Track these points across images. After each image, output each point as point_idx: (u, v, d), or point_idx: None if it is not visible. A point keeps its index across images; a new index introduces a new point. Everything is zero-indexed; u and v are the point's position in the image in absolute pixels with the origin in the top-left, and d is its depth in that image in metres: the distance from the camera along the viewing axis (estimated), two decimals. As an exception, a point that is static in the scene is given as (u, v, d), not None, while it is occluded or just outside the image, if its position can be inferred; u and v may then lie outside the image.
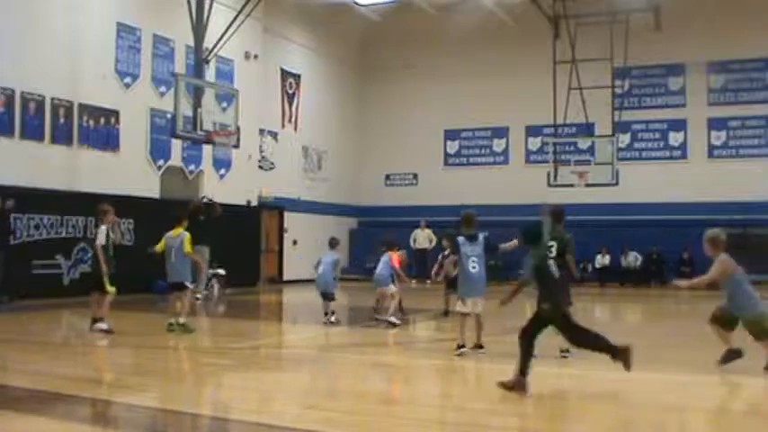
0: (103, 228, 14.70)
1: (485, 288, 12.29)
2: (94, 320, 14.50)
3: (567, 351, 11.73)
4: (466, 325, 12.19)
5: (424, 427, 8.01)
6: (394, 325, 15.86)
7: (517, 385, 9.13)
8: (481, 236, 12.39)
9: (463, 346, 12.09)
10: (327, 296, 16.74)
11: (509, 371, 11.23)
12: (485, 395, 9.57)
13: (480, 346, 12.22)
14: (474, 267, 12.15)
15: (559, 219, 12.86)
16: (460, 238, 12.37)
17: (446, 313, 17.87)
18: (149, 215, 22.77)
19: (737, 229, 30.57)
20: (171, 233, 15.10)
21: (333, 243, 17.55)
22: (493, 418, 8.45)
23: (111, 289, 14.44)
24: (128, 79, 24.44)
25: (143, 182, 24.57)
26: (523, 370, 9.21)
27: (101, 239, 14.58)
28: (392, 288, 16.66)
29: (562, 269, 12.26)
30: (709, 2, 31.71)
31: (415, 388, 10.38)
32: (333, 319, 16.60)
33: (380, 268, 16.84)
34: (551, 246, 12.30)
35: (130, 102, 24.37)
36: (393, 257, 16.94)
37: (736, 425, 8.17)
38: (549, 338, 13.23)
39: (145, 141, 25.01)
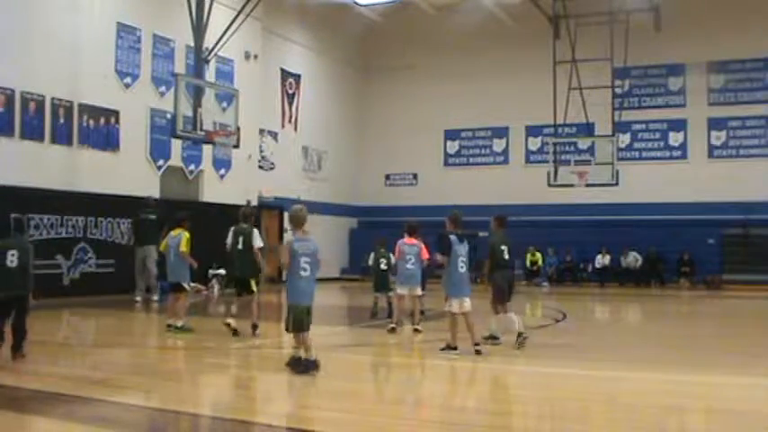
0: (256, 231, 14.69)
1: (470, 288, 12.50)
2: (255, 326, 14.47)
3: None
4: (457, 326, 12.18)
5: (424, 427, 8.02)
6: (419, 331, 15.19)
7: None
8: (466, 239, 12.58)
9: (455, 348, 12.15)
10: None
11: (508, 371, 11.27)
12: (485, 395, 9.59)
13: (477, 344, 12.20)
14: (462, 267, 12.37)
15: (503, 224, 14.45)
16: (453, 237, 12.49)
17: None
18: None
19: (738, 228, 30.66)
20: (172, 233, 15.11)
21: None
22: (493, 418, 8.46)
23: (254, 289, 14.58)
24: (128, 79, 24.44)
25: (143, 182, 24.53)
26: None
27: (257, 243, 14.57)
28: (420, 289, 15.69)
29: (513, 269, 14.02)
30: (709, 2, 31.74)
31: (414, 388, 10.38)
32: None
33: (413, 263, 15.39)
34: (503, 249, 13.83)
35: (130, 102, 24.35)
36: (423, 250, 15.62)
37: (736, 425, 8.17)
38: (542, 338, 13.26)
39: (145, 141, 25.00)
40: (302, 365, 10.44)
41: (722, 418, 8.48)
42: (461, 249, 12.43)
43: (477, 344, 12.16)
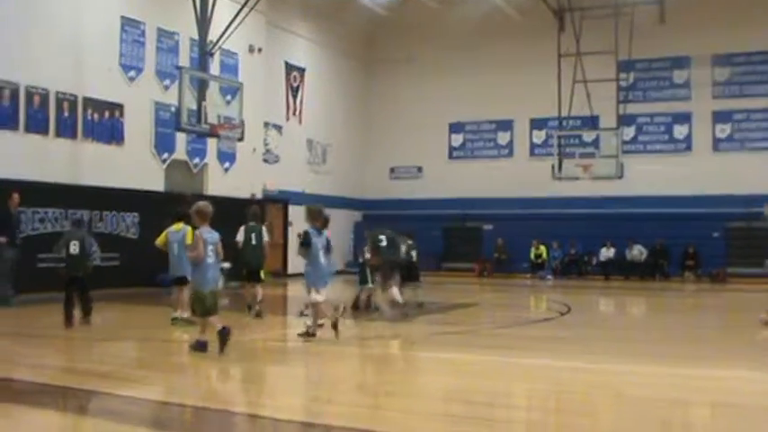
0: (265, 227, 16.97)
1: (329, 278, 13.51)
2: (259, 312, 16.24)
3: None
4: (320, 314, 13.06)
5: (431, 420, 8.01)
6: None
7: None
8: (325, 232, 13.45)
9: (315, 335, 12.94)
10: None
11: (513, 364, 11.27)
12: (490, 388, 9.58)
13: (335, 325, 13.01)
14: (322, 259, 13.01)
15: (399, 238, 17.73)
16: (312, 231, 13.10)
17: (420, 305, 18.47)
18: (154, 209, 22.82)
19: (742, 222, 30.60)
20: (173, 228, 15.14)
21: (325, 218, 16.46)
22: (499, 411, 8.47)
23: None
24: (132, 73, 24.43)
25: (147, 175, 24.58)
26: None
27: (267, 238, 16.71)
28: None
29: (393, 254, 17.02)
30: (714, -6, 31.70)
31: (419, 381, 10.39)
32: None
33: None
34: (381, 239, 17.03)
35: (135, 95, 24.35)
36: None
37: (743, 419, 8.16)
38: (547, 331, 13.24)
39: (149, 135, 25.00)
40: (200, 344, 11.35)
41: (728, 411, 8.47)
42: (320, 242, 13.06)
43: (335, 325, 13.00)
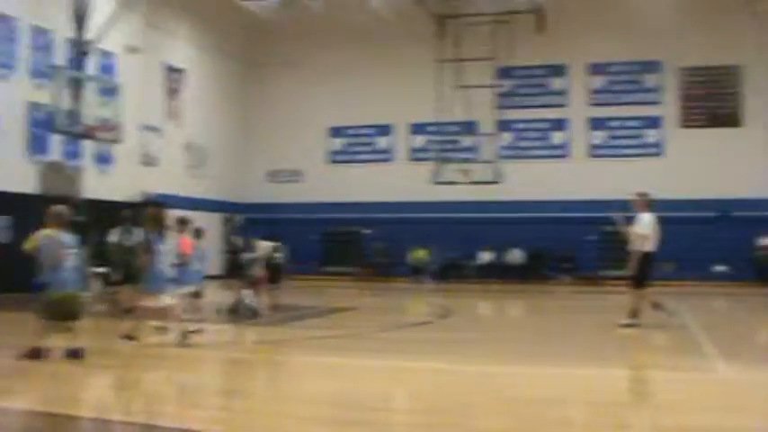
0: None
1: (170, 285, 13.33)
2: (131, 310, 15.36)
3: None
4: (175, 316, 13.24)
5: (305, 423, 7.97)
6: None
7: None
8: (170, 237, 13.63)
9: (188, 339, 12.96)
10: (200, 294, 16.28)
11: (394, 367, 11.31)
12: (370, 392, 9.60)
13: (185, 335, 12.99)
14: (161, 264, 13.04)
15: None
16: (154, 237, 13.20)
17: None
18: (27, 211, 22.18)
19: (614, 226, 31.38)
20: (42, 233, 14.73)
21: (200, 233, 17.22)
22: (378, 414, 8.48)
23: None
24: (3, 71, 23.71)
25: (21, 177, 23.88)
26: None
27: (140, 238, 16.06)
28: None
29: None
30: (591, 5, 32.50)
31: (294, 384, 10.35)
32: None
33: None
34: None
35: (6, 94, 23.62)
36: (185, 242, 15.12)
37: (617, 416, 8.35)
38: (426, 334, 13.33)
39: (22, 135, 24.31)
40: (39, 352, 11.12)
41: (603, 410, 8.64)
42: (161, 248, 13.09)
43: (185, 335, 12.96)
